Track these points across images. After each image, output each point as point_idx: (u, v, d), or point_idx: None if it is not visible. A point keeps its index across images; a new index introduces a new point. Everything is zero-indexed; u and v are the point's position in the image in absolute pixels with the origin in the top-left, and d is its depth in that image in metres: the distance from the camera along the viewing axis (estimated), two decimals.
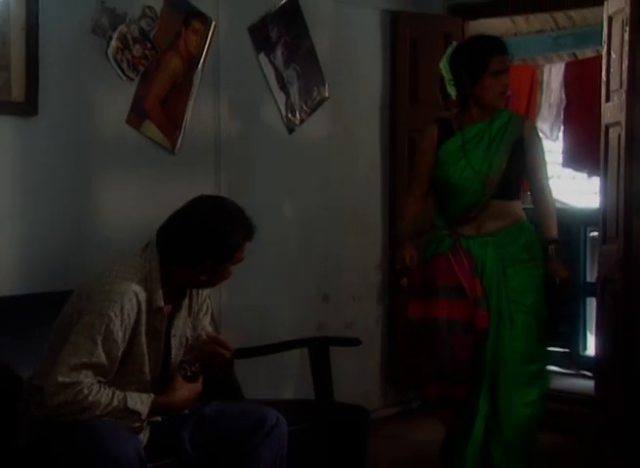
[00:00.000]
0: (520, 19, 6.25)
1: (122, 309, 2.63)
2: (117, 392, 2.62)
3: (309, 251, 4.84)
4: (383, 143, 5.22)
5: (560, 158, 6.19)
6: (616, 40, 4.63)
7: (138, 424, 2.67)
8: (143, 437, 2.78)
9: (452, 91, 3.73)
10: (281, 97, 4.64)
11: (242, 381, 3.78)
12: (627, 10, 4.48)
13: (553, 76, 6.20)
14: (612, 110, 4.67)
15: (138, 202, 4.04)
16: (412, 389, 5.29)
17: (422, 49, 5.21)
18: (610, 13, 4.72)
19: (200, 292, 3.01)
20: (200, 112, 4.28)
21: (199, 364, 2.86)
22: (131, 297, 2.66)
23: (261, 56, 4.54)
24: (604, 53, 4.78)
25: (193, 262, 2.77)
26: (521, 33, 6.38)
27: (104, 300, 2.63)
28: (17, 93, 3.59)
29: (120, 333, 2.63)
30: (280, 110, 4.64)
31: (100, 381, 2.62)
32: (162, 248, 2.79)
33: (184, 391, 2.79)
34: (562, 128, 6.20)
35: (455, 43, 3.86)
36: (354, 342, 3.85)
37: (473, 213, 3.65)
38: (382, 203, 5.24)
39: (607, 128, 4.74)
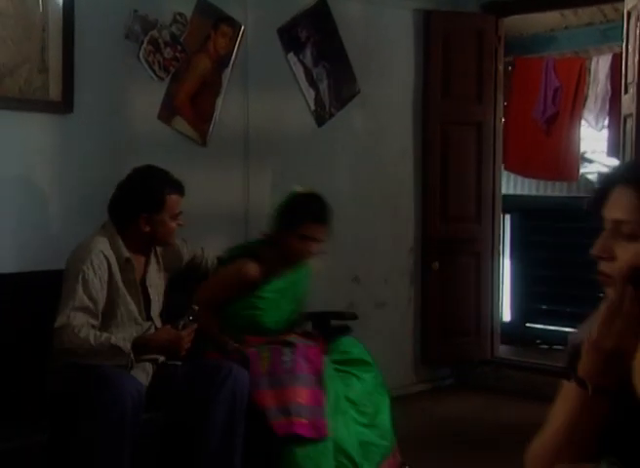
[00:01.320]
0: (569, 13, 6.41)
1: (92, 262, 3.22)
2: (104, 333, 3.13)
3: (340, 236, 5.14)
4: (416, 136, 5.52)
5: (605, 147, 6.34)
6: (632, 35, 4.79)
7: (125, 362, 3.10)
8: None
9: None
10: (310, 93, 4.99)
11: None
12: (639, 5, 4.64)
13: (600, 67, 6.34)
14: (628, 102, 4.84)
15: None
16: (443, 367, 5.62)
17: (455, 46, 5.47)
18: (629, 8, 4.88)
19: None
20: (229, 108, 4.67)
21: (190, 319, 3.29)
22: (97, 253, 3.25)
23: (290, 55, 4.90)
24: (623, 47, 4.95)
25: (133, 218, 3.36)
26: (571, 26, 6.54)
27: (77, 260, 3.26)
28: (54, 93, 4.04)
29: (96, 280, 3.20)
30: (309, 105, 4.99)
31: (92, 325, 3.14)
32: (112, 218, 3.43)
33: (163, 333, 3.26)
34: (607, 118, 6.33)
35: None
36: (352, 316, 4.22)
37: None
38: (415, 192, 5.55)
39: (624, 119, 4.91)
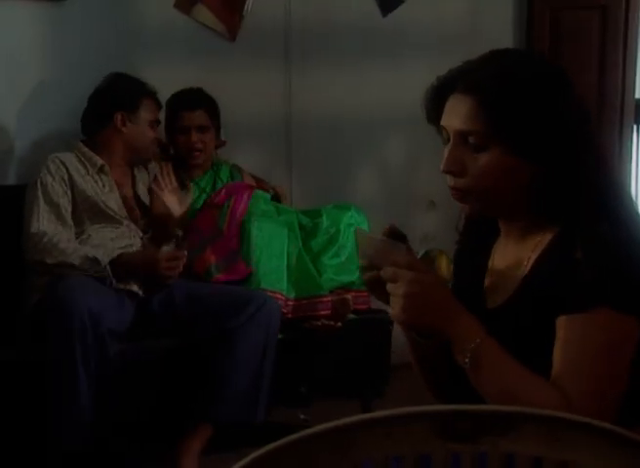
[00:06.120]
0: None
1: (48, 170, 3.18)
2: (83, 247, 3.07)
3: (411, 151, 4.33)
4: (518, 24, 4.52)
5: None
6: None
7: (102, 273, 2.99)
8: (127, 314, 3.08)
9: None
10: None
11: None
12: None
13: None
14: None
15: None
16: None
17: None
18: None
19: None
20: None
21: (175, 243, 3.28)
22: (53, 160, 3.20)
23: None
24: None
25: (109, 117, 3.28)
26: None
27: (36, 176, 3.21)
28: None
29: (55, 184, 3.16)
30: None
31: (64, 235, 3.08)
32: (83, 129, 3.34)
33: (140, 254, 3.14)
34: None
35: None
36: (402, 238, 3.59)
37: None
38: None
39: None
